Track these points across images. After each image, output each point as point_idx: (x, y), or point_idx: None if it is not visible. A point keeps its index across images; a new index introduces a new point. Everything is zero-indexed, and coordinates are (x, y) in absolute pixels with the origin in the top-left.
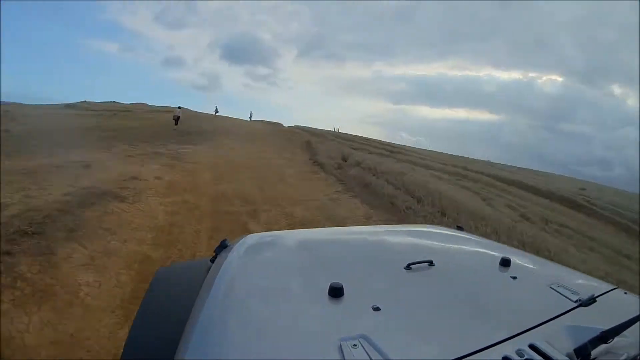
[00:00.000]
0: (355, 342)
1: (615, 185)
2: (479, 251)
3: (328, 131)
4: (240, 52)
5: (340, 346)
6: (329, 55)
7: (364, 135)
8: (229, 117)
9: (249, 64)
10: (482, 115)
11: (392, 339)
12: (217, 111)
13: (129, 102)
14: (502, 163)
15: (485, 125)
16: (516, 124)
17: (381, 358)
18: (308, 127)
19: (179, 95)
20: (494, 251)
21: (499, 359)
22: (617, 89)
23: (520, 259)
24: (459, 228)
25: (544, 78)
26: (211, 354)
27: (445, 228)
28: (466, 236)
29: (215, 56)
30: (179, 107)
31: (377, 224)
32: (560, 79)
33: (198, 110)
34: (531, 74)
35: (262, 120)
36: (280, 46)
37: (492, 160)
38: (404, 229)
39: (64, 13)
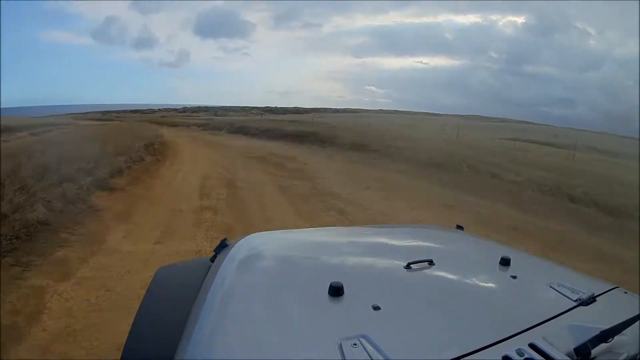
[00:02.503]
0: (355, 341)
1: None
2: (478, 250)
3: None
4: (213, 27)
5: (341, 345)
6: (293, 21)
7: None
8: None
9: (224, 37)
10: (445, 62)
11: (392, 338)
12: None
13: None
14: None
15: (450, 73)
16: (480, 70)
17: (381, 357)
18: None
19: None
20: (494, 251)
21: (499, 358)
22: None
23: (520, 259)
24: (459, 228)
25: (504, 20)
26: (211, 354)
27: (445, 227)
28: (466, 236)
29: (188, 32)
30: None
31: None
32: (520, 20)
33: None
34: (491, 17)
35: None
36: (253, 18)
37: (461, 110)
38: (404, 229)
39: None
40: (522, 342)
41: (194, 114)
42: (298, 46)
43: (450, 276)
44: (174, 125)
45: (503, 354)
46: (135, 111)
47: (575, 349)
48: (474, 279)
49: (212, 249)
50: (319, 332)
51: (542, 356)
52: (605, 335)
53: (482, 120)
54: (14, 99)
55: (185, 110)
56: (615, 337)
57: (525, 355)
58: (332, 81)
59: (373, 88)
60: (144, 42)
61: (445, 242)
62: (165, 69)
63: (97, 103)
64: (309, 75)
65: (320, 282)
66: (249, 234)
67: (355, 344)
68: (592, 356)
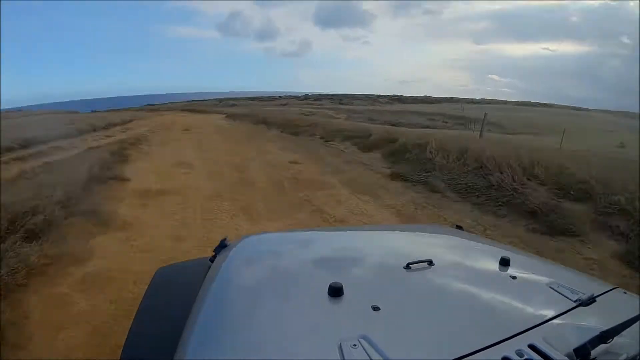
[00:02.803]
0: (355, 341)
1: None
2: (478, 251)
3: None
4: (334, 17)
5: (340, 346)
6: (413, 8)
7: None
8: None
9: (345, 26)
10: (572, 49)
11: (391, 338)
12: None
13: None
14: None
15: (578, 60)
16: (611, 57)
17: (381, 358)
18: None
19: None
20: (494, 251)
21: (498, 359)
22: None
23: (519, 259)
24: (459, 227)
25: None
26: (211, 354)
27: (445, 227)
28: (466, 236)
29: (309, 24)
30: None
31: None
32: None
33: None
34: None
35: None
36: (373, 7)
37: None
38: (404, 229)
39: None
40: (521, 342)
41: (316, 102)
42: (418, 34)
43: (450, 276)
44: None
45: (502, 354)
46: (254, 98)
47: (574, 350)
48: (473, 280)
49: None
50: (318, 332)
51: (542, 357)
52: (605, 336)
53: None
54: (143, 87)
55: (306, 97)
56: (615, 338)
57: (525, 356)
58: (453, 69)
59: (496, 77)
60: (267, 33)
61: (445, 242)
62: (287, 58)
63: (223, 91)
64: (429, 63)
65: (319, 283)
66: (248, 235)
67: (355, 345)
68: (591, 357)
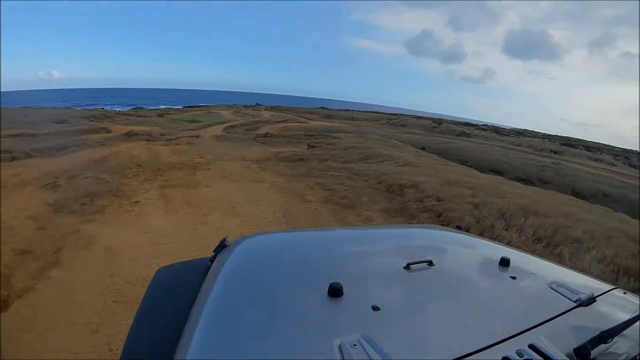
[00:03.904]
0: (355, 342)
1: None
2: (478, 251)
3: None
4: (523, 48)
5: (340, 346)
6: (608, 47)
7: None
8: None
9: (534, 58)
10: None
11: (391, 339)
12: None
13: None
14: None
15: None
16: None
17: (380, 358)
18: None
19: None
20: (494, 251)
21: (498, 359)
22: None
23: (519, 259)
24: (458, 228)
25: None
26: (211, 354)
27: (444, 228)
28: (465, 236)
29: (497, 51)
30: None
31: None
32: None
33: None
34: None
35: None
36: (568, 43)
37: None
38: (404, 229)
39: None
40: (521, 342)
41: (479, 130)
42: (608, 75)
43: (450, 277)
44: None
45: (503, 354)
46: (419, 117)
47: (575, 350)
48: (473, 280)
49: None
50: (318, 332)
51: (542, 357)
52: (605, 336)
53: None
54: (313, 90)
55: (485, 127)
56: (615, 338)
57: (525, 356)
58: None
59: None
60: (453, 56)
61: (445, 243)
62: (466, 83)
63: (390, 105)
64: (611, 108)
65: (319, 283)
66: (248, 235)
67: (355, 345)
68: (591, 357)
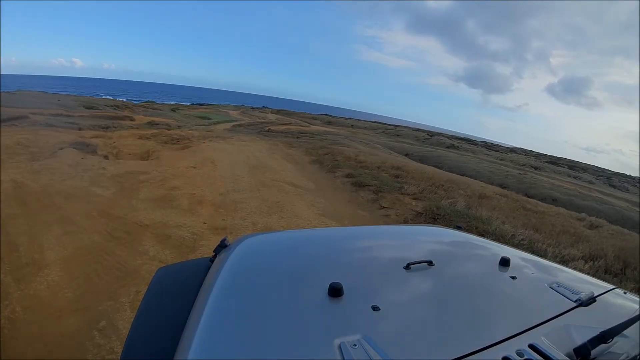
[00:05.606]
0: (355, 341)
1: None
2: (478, 251)
3: None
4: (570, 88)
5: (340, 346)
6: None
7: None
8: None
9: (581, 97)
10: None
11: (391, 338)
12: None
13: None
14: None
15: None
16: None
17: (380, 358)
18: None
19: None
20: (494, 251)
21: (498, 359)
22: None
23: (519, 259)
24: (458, 228)
25: None
26: (211, 354)
27: (444, 228)
28: (465, 236)
29: (541, 89)
30: None
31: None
32: None
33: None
34: None
35: None
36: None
37: None
38: (404, 229)
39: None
40: (521, 342)
41: (470, 145)
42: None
43: (450, 276)
44: None
45: (503, 354)
46: (417, 129)
47: (574, 350)
48: (473, 280)
49: None
50: (318, 332)
51: (542, 357)
52: (605, 336)
53: None
54: (330, 99)
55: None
56: (615, 338)
57: (525, 356)
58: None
59: None
60: (496, 89)
61: (445, 243)
62: (501, 110)
63: (404, 119)
64: (620, 133)
65: (319, 283)
66: (248, 235)
67: (355, 345)
68: (591, 357)
